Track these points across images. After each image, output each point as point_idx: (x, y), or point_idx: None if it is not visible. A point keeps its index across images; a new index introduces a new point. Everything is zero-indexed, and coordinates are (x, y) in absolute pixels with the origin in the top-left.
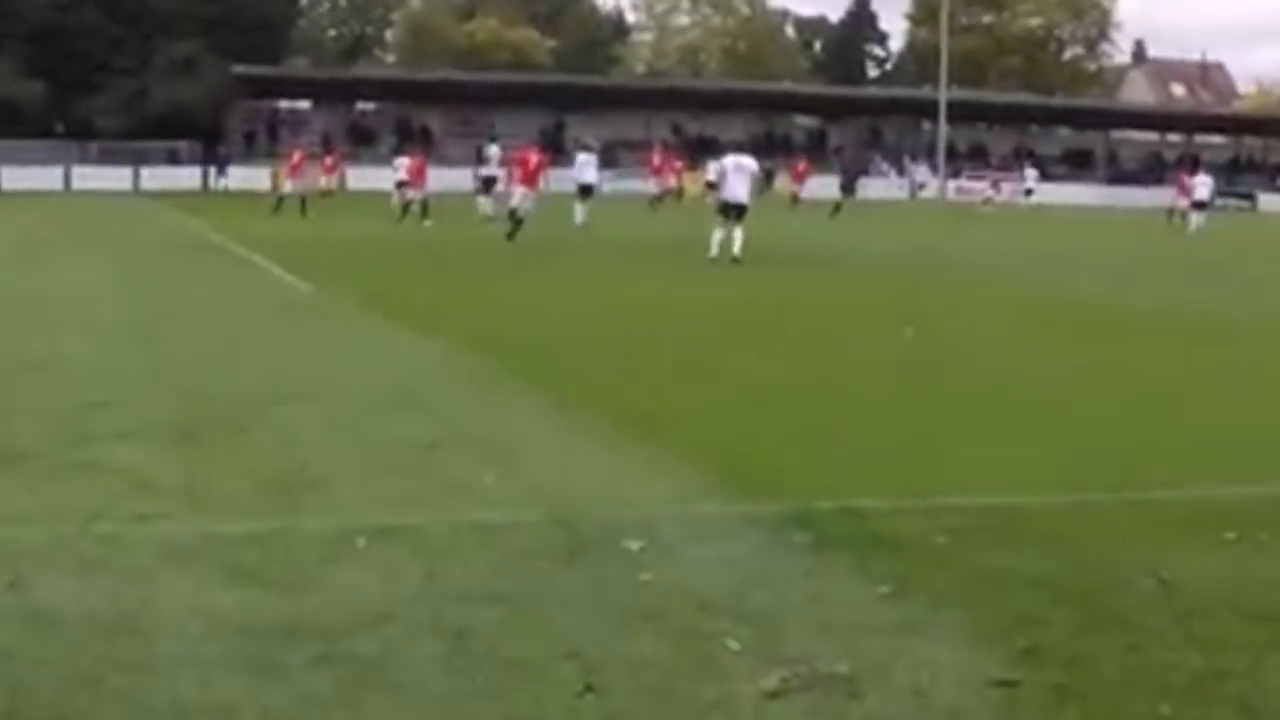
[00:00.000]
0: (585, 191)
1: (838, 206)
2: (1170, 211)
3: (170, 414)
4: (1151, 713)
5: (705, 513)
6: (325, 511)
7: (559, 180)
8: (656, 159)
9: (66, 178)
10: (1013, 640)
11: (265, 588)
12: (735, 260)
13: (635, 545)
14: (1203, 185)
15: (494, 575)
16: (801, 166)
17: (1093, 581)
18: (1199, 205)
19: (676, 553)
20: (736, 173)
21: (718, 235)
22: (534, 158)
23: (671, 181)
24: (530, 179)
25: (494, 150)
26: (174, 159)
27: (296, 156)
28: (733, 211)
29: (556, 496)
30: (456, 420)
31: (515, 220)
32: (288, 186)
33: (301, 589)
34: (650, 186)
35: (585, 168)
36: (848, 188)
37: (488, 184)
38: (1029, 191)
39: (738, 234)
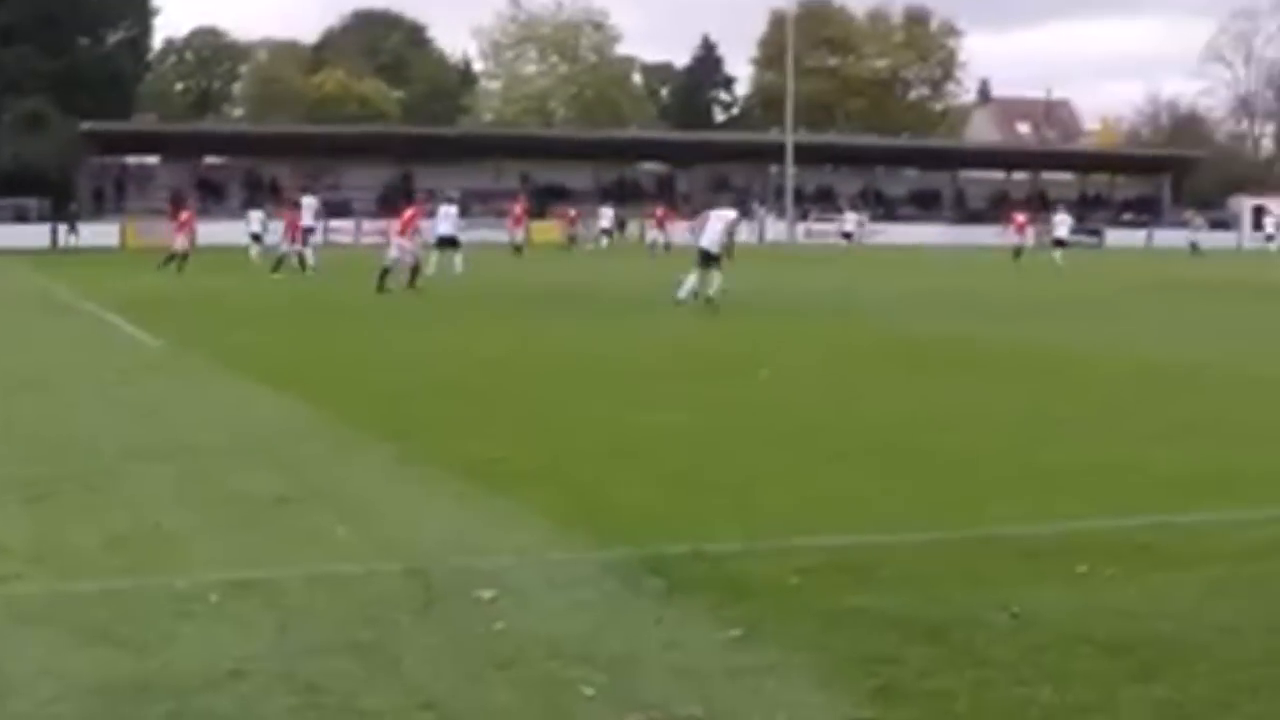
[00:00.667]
0: (445, 243)
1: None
2: (1017, 250)
3: (19, 473)
4: None
5: (557, 560)
6: (177, 568)
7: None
8: (518, 208)
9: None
10: (866, 680)
11: (117, 647)
12: (710, 301)
13: (488, 594)
14: (1062, 224)
15: (348, 627)
16: (660, 213)
17: (945, 618)
18: (1059, 243)
19: (529, 601)
20: (715, 221)
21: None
22: (407, 211)
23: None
24: (404, 229)
25: (310, 201)
26: (22, 216)
27: (185, 215)
28: (704, 258)
29: (408, 547)
30: (307, 474)
31: (383, 271)
32: (179, 242)
33: (154, 647)
34: (516, 236)
35: (446, 220)
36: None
37: (305, 235)
38: (847, 235)
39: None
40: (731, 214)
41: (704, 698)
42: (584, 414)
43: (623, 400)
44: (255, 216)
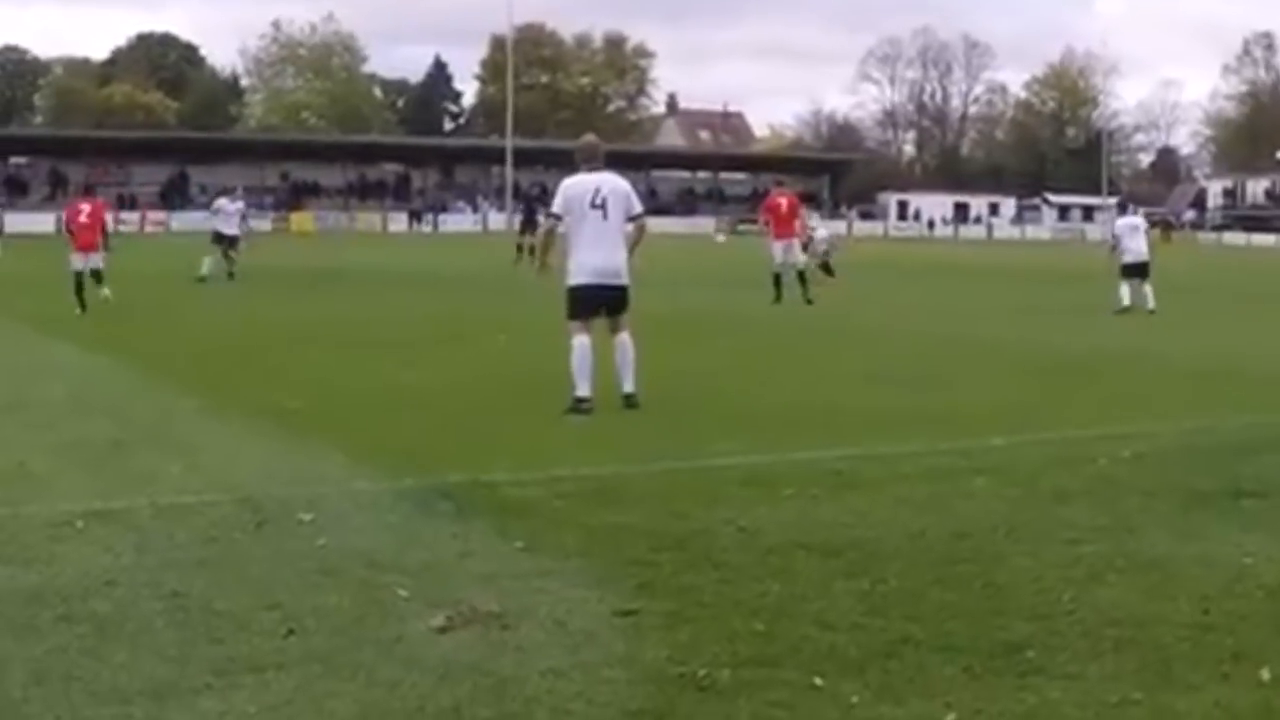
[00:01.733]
0: (221, 240)
1: None
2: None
3: None
4: (748, 629)
5: (361, 489)
6: (44, 500)
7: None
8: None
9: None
10: (628, 579)
11: (6, 564)
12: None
13: (308, 517)
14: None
15: (195, 546)
16: None
17: (686, 531)
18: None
19: (343, 521)
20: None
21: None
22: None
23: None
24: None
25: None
26: None
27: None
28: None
29: (234, 481)
30: (136, 422)
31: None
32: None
33: (38, 564)
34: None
35: (225, 216)
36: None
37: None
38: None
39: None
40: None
41: (499, 596)
42: (360, 371)
43: (386, 361)
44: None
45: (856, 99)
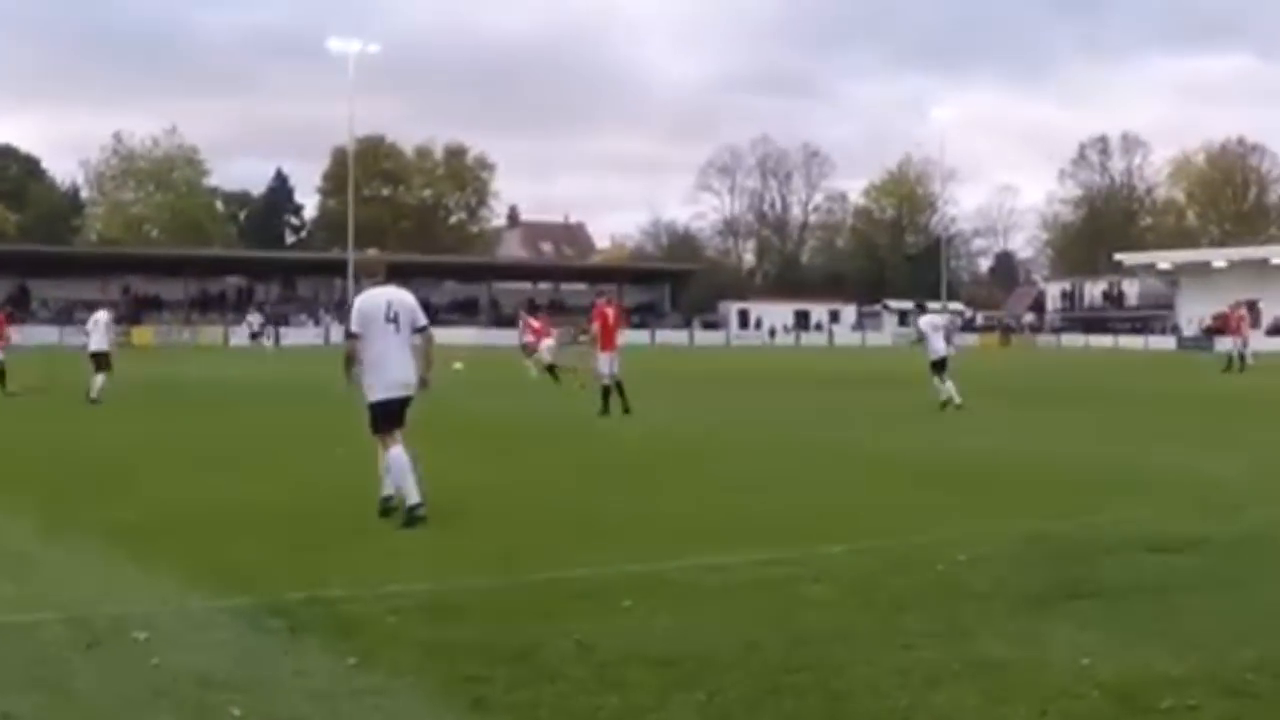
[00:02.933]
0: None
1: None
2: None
3: None
4: None
5: (195, 608)
6: None
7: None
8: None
9: None
10: (463, 695)
11: None
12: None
13: (142, 636)
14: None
15: (27, 667)
16: None
17: (523, 645)
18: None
19: (177, 640)
20: (101, 327)
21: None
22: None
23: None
24: None
25: (103, 316)
26: None
27: None
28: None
29: (66, 599)
30: None
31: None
32: None
33: None
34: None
35: (99, 330)
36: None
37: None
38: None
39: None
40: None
41: (332, 713)
42: (198, 487)
43: (224, 476)
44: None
45: (697, 209)
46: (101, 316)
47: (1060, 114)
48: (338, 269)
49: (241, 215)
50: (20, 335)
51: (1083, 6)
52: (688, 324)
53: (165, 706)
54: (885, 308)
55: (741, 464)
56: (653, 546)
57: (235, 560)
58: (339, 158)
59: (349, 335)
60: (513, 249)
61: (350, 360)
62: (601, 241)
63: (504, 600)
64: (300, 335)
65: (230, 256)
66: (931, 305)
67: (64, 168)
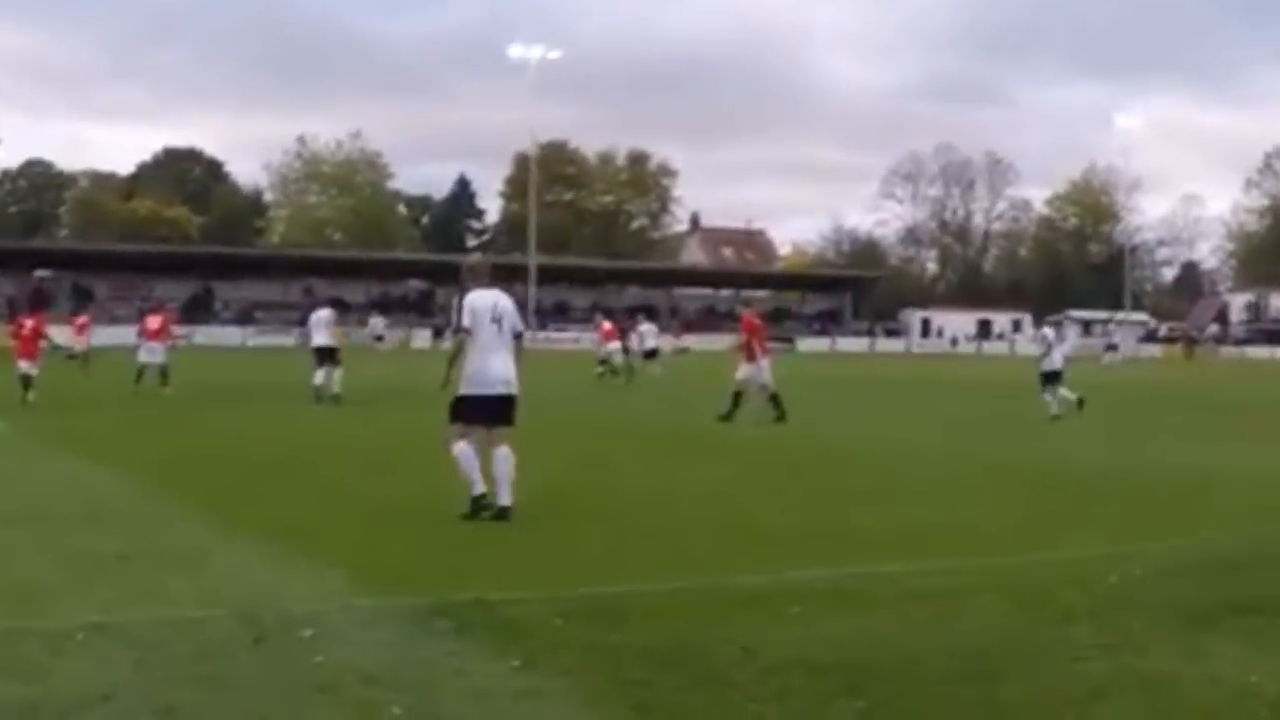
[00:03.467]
0: (323, 354)
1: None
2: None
3: None
4: None
5: (361, 606)
6: (44, 613)
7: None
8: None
9: None
10: (624, 700)
11: (5, 679)
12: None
13: (307, 633)
14: (649, 334)
15: (193, 662)
16: None
17: (687, 651)
18: (650, 354)
19: (342, 638)
20: (324, 326)
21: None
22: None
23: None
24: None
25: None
26: None
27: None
28: (322, 354)
29: (235, 595)
30: (141, 535)
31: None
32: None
33: (36, 677)
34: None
35: (319, 328)
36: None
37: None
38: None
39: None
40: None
41: (494, 715)
42: (368, 486)
43: (392, 476)
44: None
45: (879, 216)
46: (325, 314)
47: (1247, 122)
48: (519, 274)
49: (424, 219)
50: (203, 336)
51: (1271, 14)
52: (870, 331)
53: (327, 703)
54: (1067, 317)
55: (911, 472)
56: (822, 553)
57: (401, 560)
58: (521, 162)
59: (459, 330)
60: (694, 255)
61: (458, 353)
62: (783, 248)
63: (668, 604)
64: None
65: (411, 259)
66: (1050, 319)
67: (247, 171)
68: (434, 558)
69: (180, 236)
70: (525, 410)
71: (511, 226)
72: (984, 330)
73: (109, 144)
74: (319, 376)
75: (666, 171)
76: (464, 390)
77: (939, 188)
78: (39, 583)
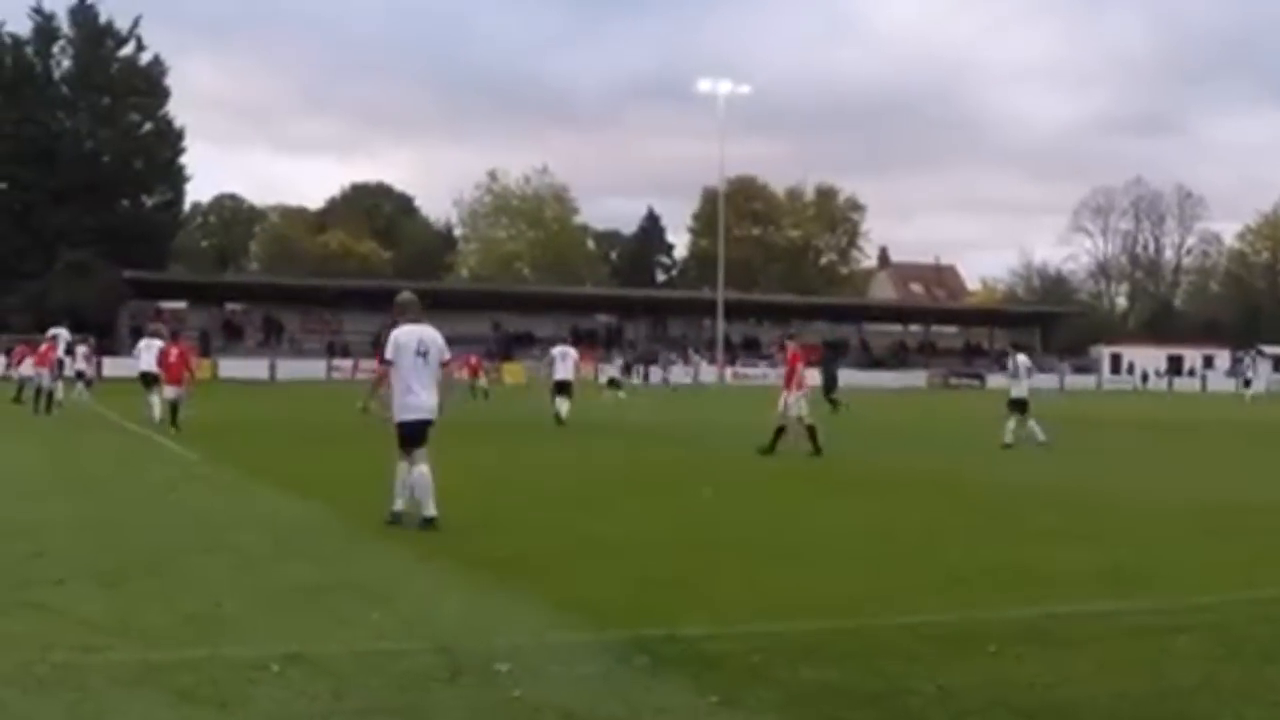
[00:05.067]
0: (561, 388)
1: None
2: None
3: (95, 562)
4: None
5: (559, 640)
6: (241, 642)
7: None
8: (473, 358)
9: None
10: None
11: (202, 706)
12: (561, 422)
13: (504, 668)
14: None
15: (389, 694)
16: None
17: (883, 689)
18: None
19: (539, 673)
20: (562, 359)
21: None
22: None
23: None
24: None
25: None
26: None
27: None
28: (562, 388)
29: (431, 628)
30: (336, 566)
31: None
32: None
33: (233, 706)
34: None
35: (564, 361)
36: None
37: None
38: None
39: (565, 405)
40: (573, 350)
41: None
42: (561, 520)
43: (588, 511)
44: (81, 353)
45: (1069, 250)
46: (570, 350)
47: None
48: (707, 308)
49: (612, 254)
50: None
51: None
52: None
53: None
54: (1260, 353)
55: (1102, 511)
56: (1012, 593)
57: (598, 594)
58: (709, 197)
59: (383, 362)
60: (883, 290)
61: (379, 383)
62: (971, 283)
63: (864, 642)
64: (670, 374)
65: (600, 294)
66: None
67: (436, 206)
68: (629, 592)
69: (370, 271)
70: (718, 444)
71: (700, 261)
72: (1175, 366)
73: (299, 178)
74: (564, 409)
75: (854, 206)
76: (401, 417)
77: (1129, 221)
78: (234, 612)
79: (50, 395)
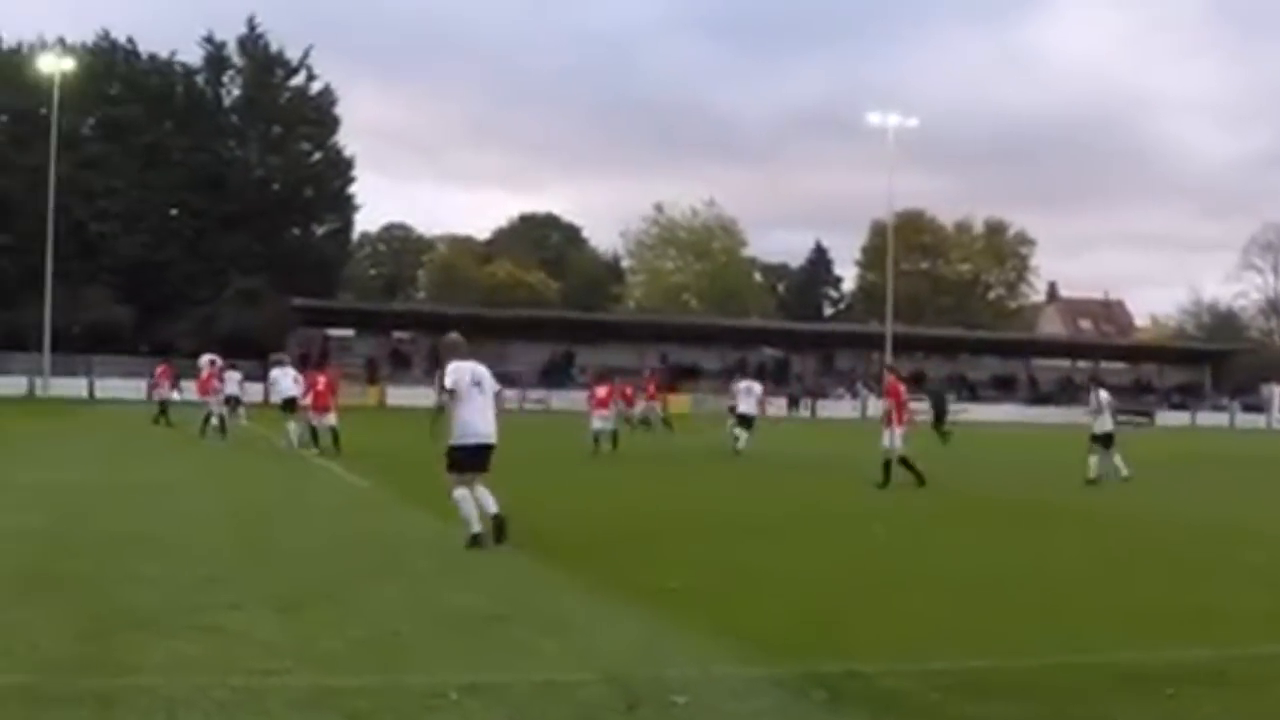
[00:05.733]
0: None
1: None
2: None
3: (272, 588)
4: None
5: (734, 674)
6: (419, 670)
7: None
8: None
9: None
10: None
11: None
12: (738, 453)
13: (681, 700)
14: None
15: None
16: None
17: None
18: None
19: (716, 707)
20: (746, 393)
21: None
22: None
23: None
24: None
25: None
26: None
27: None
28: (743, 420)
29: (606, 659)
30: (510, 595)
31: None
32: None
33: None
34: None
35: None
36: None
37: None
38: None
39: (744, 436)
40: (758, 385)
41: None
42: (730, 553)
43: (761, 543)
44: (233, 378)
45: (1239, 287)
46: (754, 386)
47: None
48: (875, 342)
49: (780, 286)
50: (559, 400)
51: None
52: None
53: None
54: None
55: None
56: (1192, 634)
57: (771, 627)
58: (877, 230)
59: (444, 391)
60: (1051, 325)
61: (440, 412)
62: (1140, 319)
63: (1041, 680)
64: (836, 409)
65: (766, 327)
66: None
67: (603, 237)
68: (801, 625)
69: (538, 301)
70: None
71: (868, 295)
72: None
73: (466, 208)
74: (741, 440)
75: (1024, 240)
76: (460, 442)
77: None
78: (411, 639)
79: (222, 420)
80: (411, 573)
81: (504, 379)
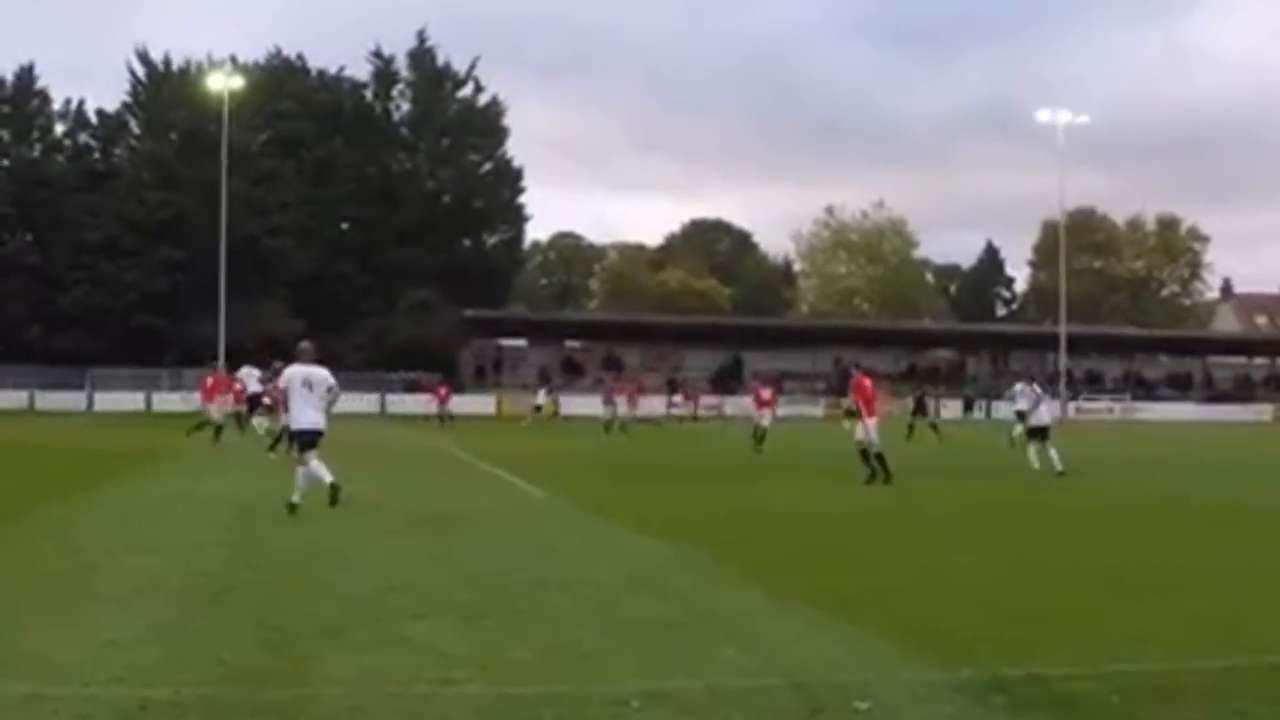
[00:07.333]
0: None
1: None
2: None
3: (454, 597)
4: None
5: (915, 679)
6: (600, 678)
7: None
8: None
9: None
10: None
11: None
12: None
13: (864, 705)
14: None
15: None
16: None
17: None
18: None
19: (899, 713)
20: (1034, 399)
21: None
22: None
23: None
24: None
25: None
26: (411, 387)
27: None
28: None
29: (788, 666)
30: (688, 603)
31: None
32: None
33: None
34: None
35: (1025, 397)
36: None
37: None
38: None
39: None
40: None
41: None
42: (908, 556)
43: (939, 545)
44: (253, 375)
45: None
46: (1033, 389)
47: None
48: (1050, 343)
49: (952, 288)
50: (732, 406)
51: None
52: None
53: None
54: None
55: None
56: None
57: (951, 630)
58: (1049, 230)
59: (277, 389)
60: (1226, 322)
61: (278, 404)
62: None
63: (1223, 682)
64: (1010, 411)
65: (940, 329)
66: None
67: (774, 241)
68: (979, 628)
69: (709, 307)
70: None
71: (1040, 295)
72: None
73: (636, 216)
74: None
75: (1197, 236)
76: (295, 426)
77: None
78: (592, 647)
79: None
80: (591, 581)
81: (675, 386)
